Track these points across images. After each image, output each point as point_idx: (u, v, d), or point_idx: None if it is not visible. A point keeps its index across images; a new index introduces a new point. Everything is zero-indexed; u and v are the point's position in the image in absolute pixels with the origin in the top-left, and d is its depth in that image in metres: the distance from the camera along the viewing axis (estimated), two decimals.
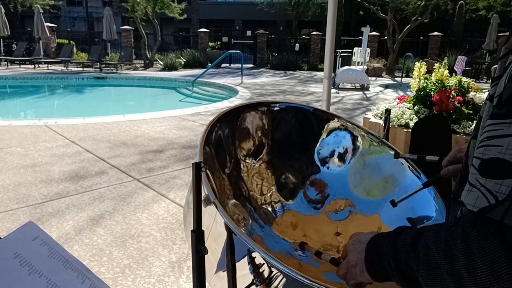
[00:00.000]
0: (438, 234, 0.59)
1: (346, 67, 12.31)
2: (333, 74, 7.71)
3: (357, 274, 0.73)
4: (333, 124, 1.42)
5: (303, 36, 22.68)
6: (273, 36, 23.97)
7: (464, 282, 0.54)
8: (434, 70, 3.85)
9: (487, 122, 0.56)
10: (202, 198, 0.90)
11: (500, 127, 0.53)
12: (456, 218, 0.61)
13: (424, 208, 1.18)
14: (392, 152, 1.35)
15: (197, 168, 0.88)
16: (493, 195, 0.51)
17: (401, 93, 8.30)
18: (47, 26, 16.98)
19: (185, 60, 17.58)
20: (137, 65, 16.72)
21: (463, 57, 13.24)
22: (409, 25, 16.38)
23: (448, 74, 3.84)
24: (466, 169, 0.75)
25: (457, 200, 0.80)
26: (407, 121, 3.69)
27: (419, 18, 16.30)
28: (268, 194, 1.32)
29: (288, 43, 22.69)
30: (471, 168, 0.56)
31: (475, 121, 3.51)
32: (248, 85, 11.83)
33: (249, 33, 28.21)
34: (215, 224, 0.92)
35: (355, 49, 14.88)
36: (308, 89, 11.57)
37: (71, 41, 19.03)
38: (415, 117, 3.68)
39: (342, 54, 13.55)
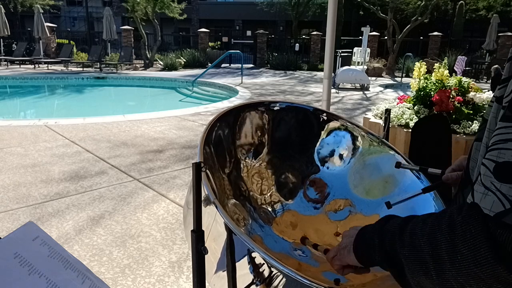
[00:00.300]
0: (426, 220, 0.61)
1: (346, 67, 12.31)
2: (333, 74, 7.71)
3: (344, 256, 0.78)
4: (333, 124, 1.42)
5: (303, 36, 22.68)
6: (273, 36, 23.97)
7: (444, 265, 0.55)
8: (434, 70, 3.85)
9: (499, 124, 0.56)
10: (202, 198, 0.90)
11: None
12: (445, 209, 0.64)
13: (424, 209, 1.18)
14: (392, 152, 1.35)
15: (197, 168, 0.88)
16: (508, 200, 0.51)
17: (401, 93, 8.30)
18: (47, 26, 16.99)
19: (185, 60, 17.58)
20: (137, 65, 16.72)
21: (463, 57, 13.25)
22: (409, 25, 16.38)
23: (448, 74, 3.84)
24: (467, 172, 0.75)
25: (459, 202, 0.80)
26: (407, 121, 3.69)
27: (419, 18, 16.30)
28: (268, 194, 1.32)
29: (288, 43, 22.69)
30: (483, 170, 0.56)
31: (475, 121, 3.51)
32: (248, 85, 11.83)
33: (249, 33, 28.22)
34: (215, 224, 0.92)
35: (355, 49, 14.88)
36: (308, 89, 11.57)
37: (71, 41, 19.04)
38: (415, 117, 3.68)
39: (342, 54, 13.55)
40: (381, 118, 4.03)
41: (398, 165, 1.16)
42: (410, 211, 1.19)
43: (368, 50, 15.08)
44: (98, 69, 15.70)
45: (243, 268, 0.86)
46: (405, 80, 14.40)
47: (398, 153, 1.34)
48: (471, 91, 3.83)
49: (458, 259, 0.53)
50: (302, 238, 1.13)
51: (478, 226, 0.52)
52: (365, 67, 14.69)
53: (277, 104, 1.39)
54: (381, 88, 12.29)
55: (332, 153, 1.41)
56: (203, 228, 0.91)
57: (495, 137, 0.56)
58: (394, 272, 0.67)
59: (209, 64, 16.02)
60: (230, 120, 1.27)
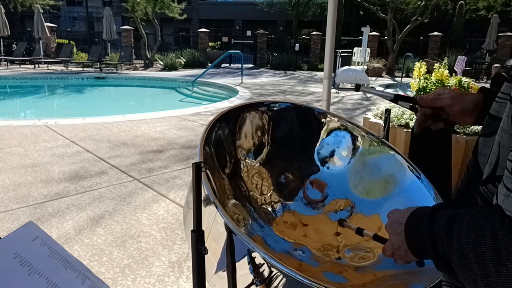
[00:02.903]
0: (470, 224, 0.58)
1: (346, 67, 12.31)
2: (333, 74, 7.72)
3: (402, 256, 0.74)
4: (333, 124, 1.42)
5: (303, 36, 22.69)
6: (273, 36, 23.98)
7: (490, 276, 0.54)
8: (434, 70, 3.85)
9: None
10: (202, 198, 0.90)
11: None
12: (487, 208, 0.60)
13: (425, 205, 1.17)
14: (392, 152, 1.35)
15: (197, 168, 0.88)
16: None
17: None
18: (47, 26, 16.99)
19: (185, 60, 17.59)
20: (137, 65, 16.72)
21: (463, 57, 13.26)
22: (409, 25, 16.38)
23: (448, 74, 3.84)
24: (475, 167, 0.74)
25: (465, 197, 0.80)
26: (407, 121, 3.69)
27: (419, 18, 16.31)
28: (268, 194, 1.32)
29: (288, 43, 22.70)
30: (507, 172, 0.55)
31: None
32: (248, 85, 11.83)
33: (249, 33, 28.23)
34: (215, 224, 0.92)
35: (355, 49, 14.89)
36: (308, 89, 11.57)
37: (71, 41, 19.04)
38: (415, 117, 3.68)
39: (342, 54, 13.55)
40: (381, 118, 4.03)
41: (358, 87, 1.17)
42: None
43: (368, 50, 15.09)
44: (98, 69, 15.70)
45: (243, 268, 0.86)
46: (405, 80, 14.40)
47: (398, 153, 1.34)
48: (471, 91, 3.83)
49: (504, 272, 0.52)
50: (340, 220, 1.11)
51: None
52: (365, 67, 14.69)
53: (277, 104, 1.39)
54: (381, 88, 12.29)
55: (332, 153, 1.41)
56: (203, 228, 0.91)
57: None
58: (452, 272, 0.64)
59: (209, 64, 16.02)
60: (230, 120, 1.27)
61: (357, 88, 1.18)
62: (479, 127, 3.45)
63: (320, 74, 16.22)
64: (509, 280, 0.52)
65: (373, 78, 14.68)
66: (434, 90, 0.98)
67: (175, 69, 16.52)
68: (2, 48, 16.27)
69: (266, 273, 0.82)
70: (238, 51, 16.09)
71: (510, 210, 0.52)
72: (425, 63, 4.09)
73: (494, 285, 0.54)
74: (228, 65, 19.48)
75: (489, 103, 0.79)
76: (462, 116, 0.93)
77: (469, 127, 3.49)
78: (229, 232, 0.84)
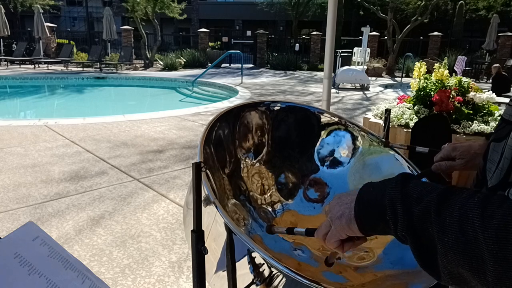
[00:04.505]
0: (487, 206, 0.49)
1: (346, 67, 12.31)
2: (333, 74, 7.72)
3: (341, 227, 0.65)
4: (333, 124, 1.42)
5: (303, 36, 22.69)
6: (273, 36, 23.98)
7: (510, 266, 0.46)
8: (434, 70, 3.85)
9: None
10: (202, 198, 0.90)
11: None
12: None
13: None
14: (392, 152, 1.35)
15: (197, 168, 0.88)
16: None
17: (401, 93, 8.30)
18: (47, 26, 16.99)
19: (185, 60, 17.59)
20: (137, 65, 16.73)
21: (463, 57, 13.25)
22: (409, 25, 16.38)
23: (448, 74, 3.84)
24: (483, 173, 0.71)
25: None
26: (407, 121, 3.69)
27: (419, 18, 16.31)
28: (268, 194, 1.32)
29: (288, 43, 22.71)
30: None
31: (475, 121, 3.51)
32: (248, 85, 11.83)
33: (249, 33, 28.22)
34: (215, 224, 0.92)
35: (355, 49, 14.89)
36: (308, 89, 11.57)
37: (71, 41, 19.04)
38: (415, 117, 3.68)
39: (342, 54, 13.56)
40: (381, 118, 4.03)
41: (387, 144, 1.15)
42: None
43: (368, 50, 15.09)
44: (98, 69, 15.71)
45: (243, 268, 0.86)
46: (405, 80, 14.40)
47: (398, 153, 1.34)
48: (471, 91, 3.83)
49: None
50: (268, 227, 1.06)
51: None
52: (365, 67, 14.69)
53: (277, 104, 1.39)
54: (381, 88, 12.29)
55: (332, 153, 1.41)
56: (203, 228, 0.91)
57: None
58: (416, 247, 0.56)
59: (209, 64, 16.02)
60: (230, 120, 1.27)
61: (386, 144, 1.14)
62: (479, 127, 3.45)
63: (320, 74, 16.22)
64: None
65: (373, 78, 14.69)
66: (442, 151, 0.96)
67: (175, 69, 16.52)
68: (2, 48, 16.28)
69: (266, 273, 0.82)
70: (238, 51, 16.10)
71: None
72: (425, 63, 4.09)
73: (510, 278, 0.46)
74: (228, 65, 19.48)
75: None
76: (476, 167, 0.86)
77: (469, 127, 3.49)
78: (229, 232, 0.84)
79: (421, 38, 19.37)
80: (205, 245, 0.90)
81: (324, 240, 0.70)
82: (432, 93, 3.74)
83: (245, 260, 0.85)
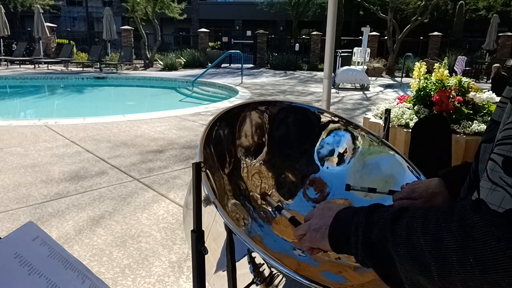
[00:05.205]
0: (428, 216, 0.56)
1: (346, 67, 12.31)
2: (333, 74, 7.72)
3: (315, 239, 0.73)
4: (333, 124, 1.42)
5: (303, 36, 22.68)
6: (273, 36, 23.98)
7: (451, 267, 0.51)
8: (434, 70, 3.85)
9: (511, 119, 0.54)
10: (202, 198, 0.91)
11: None
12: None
13: None
14: (392, 152, 1.35)
15: (197, 168, 0.88)
16: None
17: (401, 93, 8.30)
18: (47, 26, 16.99)
19: (185, 60, 17.59)
20: (137, 65, 16.72)
21: (463, 57, 13.26)
22: (409, 25, 16.38)
23: (448, 74, 3.84)
24: (476, 174, 0.73)
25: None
26: (407, 121, 3.69)
27: (419, 18, 16.31)
28: (268, 194, 1.32)
29: (288, 43, 22.71)
30: (491, 165, 0.53)
31: (475, 121, 3.51)
32: (248, 85, 11.83)
33: (249, 33, 28.22)
34: (214, 224, 0.92)
35: (355, 49, 14.89)
36: (308, 89, 11.57)
37: (71, 41, 19.04)
38: (415, 117, 3.68)
39: (342, 54, 13.55)
40: (381, 118, 4.03)
41: (348, 187, 1.15)
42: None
43: (368, 50, 15.09)
44: (98, 69, 15.71)
45: (243, 268, 0.86)
46: (405, 80, 14.41)
47: (398, 153, 1.34)
48: (471, 91, 3.83)
49: (470, 261, 0.49)
50: (263, 194, 1.11)
51: (503, 228, 0.47)
52: (365, 67, 14.69)
53: (277, 104, 1.39)
54: (381, 88, 12.29)
55: (332, 153, 1.41)
56: (203, 228, 0.91)
57: (506, 131, 0.53)
58: (378, 268, 0.63)
59: (209, 64, 16.02)
60: (230, 120, 1.27)
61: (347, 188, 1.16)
62: (479, 127, 3.45)
63: (320, 74, 16.22)
64: (476, 271, 0.49)
65: (373, 78, 14.69)
66: (401, 192, 0.99)
67: (175, 69, 16.52)
68: (2, 48, 16.28)
69: (266, 273, 0.82)
70: (238, 51, 16.09)
71: (495, 204, 0.50)
72: (425, 63, 4.09)
73: (453, 275, 0.51)
74: (228, 65, 19.48)
75: (453, 186, 0.84)
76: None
77: (469, 127, 3.49)
78: (229, 232, 0.85)
79: (421, 38, 19.37)
80: (205, 245, 0.90)
81: (299, 240, 0.78)
82: (432, 93, 3.74)
83: (245, 260, 0.85)
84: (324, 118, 1.43)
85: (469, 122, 3.54)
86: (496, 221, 0.49)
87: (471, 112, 3.63)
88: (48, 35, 17.19)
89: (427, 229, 0.54)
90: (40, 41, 16.67)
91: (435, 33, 18.62)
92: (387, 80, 14.84)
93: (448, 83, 3.79)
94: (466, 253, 0.50)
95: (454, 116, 3.58)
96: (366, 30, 14.05)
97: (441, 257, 0.52)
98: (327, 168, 1.40)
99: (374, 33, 18.99)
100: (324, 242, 0.71)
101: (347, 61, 13.95)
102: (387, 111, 1.47)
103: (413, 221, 0.57)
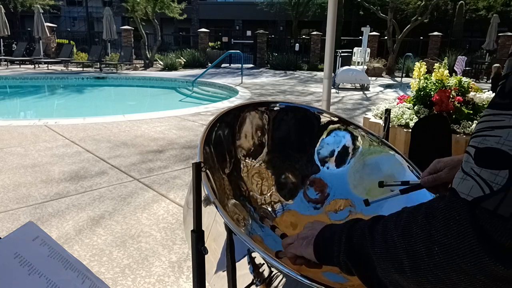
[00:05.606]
0: (400, 214, 0.59)
1: (346, 67, 12.31)
2: (333, 74, 7.71)
3: (300, 246, 0.77)
4: (333, 124, 1.42)
5: (303, 36, 22.68)
6: (273, 36, 23.98)
7: (420, 259, 0.53)
8: (434, 70, 3.85)
9: (486, 111, 0.55)
10: (202, 198, 0.90)
11: (501, 118, 0.51)
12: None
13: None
14: (392, 152, 1.35)
15: (197, 168, 0.88)
16: (488, 185, 0.49)
17: (401, 93, 8.30)
18: (47, 26, 16.99)
19: (185, 60, 17.59)
20: (137, 65, 16.72)
21: (463, 57, 13.25)
22: (409, 25, 16.38)
23: (448, 74, 3.84)
24: None
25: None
26: (407, 121, 3.69)
27: (419, 18, 16.31)
28: (268, 194, 1.32)
29: (288, 43, 22.71)
30: (466, 157, 0.54)
31: (475, 121, 3.51)
32: (248, 85, 11.83)
33: (249, 33, 28.23)
34: (215, 224, 0.92)
35: (355, 49, 14.89)
36: (308, 89, 11.57)
37: (71, 41, 19.04)
38: (415, 117, 3.68)
39: (342, 54, 13.55)
40: (381, 118, 4.03)
41: (381, 184, 1.15)
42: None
43: (368, 50, 15.09)
44: (98, 69, 15.71)
45: (243, 268, 0.86)
46: (405, 80, 14.41)
47: (398, 153, 1.34)
48: (471, 91, 3.83)
49: (436, 250, 0.50)
50: (272, 226, 1.13)
51: (463, 212, 0.49)
52: (365, 67, 14.69)
53: (277, 104, 1.39)
54: (381, 88, 12.29)
55: (332, 153, 1.41)
56: (203, 228, 0.91)
57: (481, 124, 0.54)
58: (360, 272, 0.65)
59: (209, 64, 16.02)
60: (230, 120, 1.27)
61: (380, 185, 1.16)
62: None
63: (320, 74, 16.22)
64: (442, 260, 0.50)
65: (373, 78, 14.69)
66: (429, 166, 1.02)
67: (175, 69, 16.52)
68: (2, 48, 16.27)
69: (266, 273, 0.82)
70: (238, 51, 16.09)
71: (465, 193, 0.51)
72: (425, 63, 4.09)
73: (422, 267, 0.53)
74: (228, 65, 19.48)
75: None
76: None
77: (469, 127, 3.49)
78: (229, 232, 0.84)
79: (421, 38, 19.37)
80: (205, 245, 0.90)
81: (285, 248, 0.82)
82: (432, 93, 3.74)
83: (245, 260, 0.85)
84: (324, 118, 1.43)
85: (469, 122, 3.54)
86: (458, 206, 0.50)
87: (471, 112, 3.63)
88: (48, 35, 17.19)
89: (399, 224, 0.57)
90: (40, 41, 16.67)
91: (435, 33, 18.62)
92: (387, 80, 14.84)
93: (448, 83, 3.79)
94: (431, 242, 0.51)
95: (454, 116, 3.58)
96: (366, 30, 14.05)
97: (412, 250, 0.54)
98: (327, 168, 1.40)
99: (374, 33, 18.99)
100: (309, 250, 0.75)
101: (347, 61, 13.95)
102: (387, 111, 1.47)
103: (388, 221, 0.60)
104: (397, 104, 4.17)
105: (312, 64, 19.04)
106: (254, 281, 0.85)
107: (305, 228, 0.79)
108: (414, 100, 3.94)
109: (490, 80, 10.97)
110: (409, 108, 3.90)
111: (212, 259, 0.95)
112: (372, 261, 0.61)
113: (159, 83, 13.62)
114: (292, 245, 0.80)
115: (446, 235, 0.50)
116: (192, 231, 0.90)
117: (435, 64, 4.00)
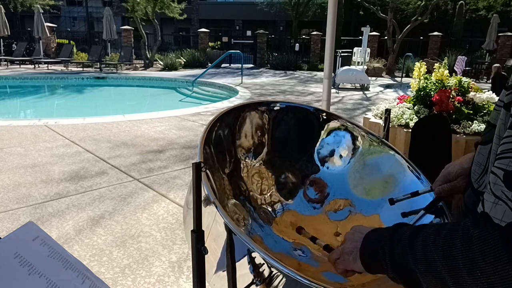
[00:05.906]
0: (439, 232, 0.59)
1: (346, 67, 12.31)
2: (333, 74, 7.71)
3: (349, 261, 0.76)
4: (333, 124, 1.42)
5: (303, 36, 22.68)
6: (273, 36, 23.98)
7: (462, 278, 0.54)
8: (434, 70, 3.85)
9: (507, 132, 0.56)
10: (202, 198, 0.90)
11: None
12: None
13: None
14: (392, 152, 1.35)
15: (197, 168, 0.88)
16: None
17: (401, 93, 8.30)
18: (47, 26, 16.99)
19: (185, 60, 17.58)
20: (137, 65, 16.72)
21: (463, 57, 13.25)
22: (409, 25, 16.38)
23: (448, 74, 3.84)
24: (469, 174, 0.75)
25: (461, 206, 0.80)
26: (407, 121, 3.69)
27: (419, 18, 16.31)
28: (268, 194, 1.32)
29: (288, 43, 22.70)
30: (493, 179, 0.55)
31: (475, 121, 3.51)
32: (248, 85, 11.83)
33: (249, 33, 28.22)
34: (215, 224, 0.92)
35: (355, 49, 14.88)
36: (308, 89, 11.57)
37: (71, 41, 19.03)
38: (415, 117, 3.68)
39: (342, 54, 13.55)
40: (381, 118, 4.03)
41: (392, 201, 1.14)
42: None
43: (368, 50, 15.09)
44: (98, 69, 15.70)
45: (243, 268, 0.86)
46: (405, 80, 14.40)
47: (398, 153, 1.34)
48: (471, 91, 3.83)
49: (477, 273, 0.52)
50: (298, 228, 1.12)
51: (497, 238, 0.51)
52: (365, 67, 14.69)
53: (277, 104, 1.39)
54: (381, 88, 12.29)
55: (332, 153, 1.41)
56: (203, 228, 0.91)
57: (504, 145, 0.55)
58: (407, 284, 0.66)
59: (209, 64, 16.02)
60: (230, 120, 1.27)
61: (391, 202, 1.13)
62: (479, 127, 3.45)
63: (320, 74, 16.22)
64: (483, 280, 0.52)
65: (373, 78, 14.68)
66: (439, 177, 1.00)
67: (175, 69, 16.52)
68: (2, 48, 16.27)
69: (266, 273, 0.82)
70: (238, 51, 16.09)
71: (498, 218, 0.52)
72: (425, 63, 4.09)
73: (465, 284, 0.54)
74: (228, 65, 19.47)
75: None
76: None
77: (469, 127, 3.49)
78: (229, 232, 0.84)
79: (421, 38, 19.36)
80: (205, 245, 0.90)
81: (333, 264, 0.81)
82: (432, 93, 3.74)
83: (245, 260, 0.85)
84: (324, 118, 1.43)
85: (469, 122, 3.54)
86: (492, 232, 0.52)
87: (471, 112, 3.62)
88: (48, 35, 17.19)
89: (438, 245, 0.58)
90: (40, 41, 16.66)
91: (435, 33, 18.62)
92: (387, 80, 14.83)
93: (448, 83, 3.78)
94: (473, 266, 0.53)
95: (454, 116, 3.58)
96: (366, 30, 14.05)
97: (452, 270, 0.55)
98: (327, 168, 1.40)
99: (374, 33, 18.98)
100: (358, 264, 0.74)
101: (347, 61, 13.95)
102: (387, 111, 1.47)
103: (427, 237, 0.61)
104: (397, 104, 4.16)
105: (312, 64, 19.04)
106: (254, 281, 0.85)
107: (347, 241, 0.78)
108: (414, 100, 3.93)
109: (490, 80, 10.97)
110: (409, 108, 3.90)
111: (212, 259, 0.95)
112: (416, 277, 0.62)
113: (159, 83, 13.62)
114: (339, 261, 0.79)
115: (484, 260, 0.51)
116: (192, 231, 0.90)
117: (435, 64, 4.00)
